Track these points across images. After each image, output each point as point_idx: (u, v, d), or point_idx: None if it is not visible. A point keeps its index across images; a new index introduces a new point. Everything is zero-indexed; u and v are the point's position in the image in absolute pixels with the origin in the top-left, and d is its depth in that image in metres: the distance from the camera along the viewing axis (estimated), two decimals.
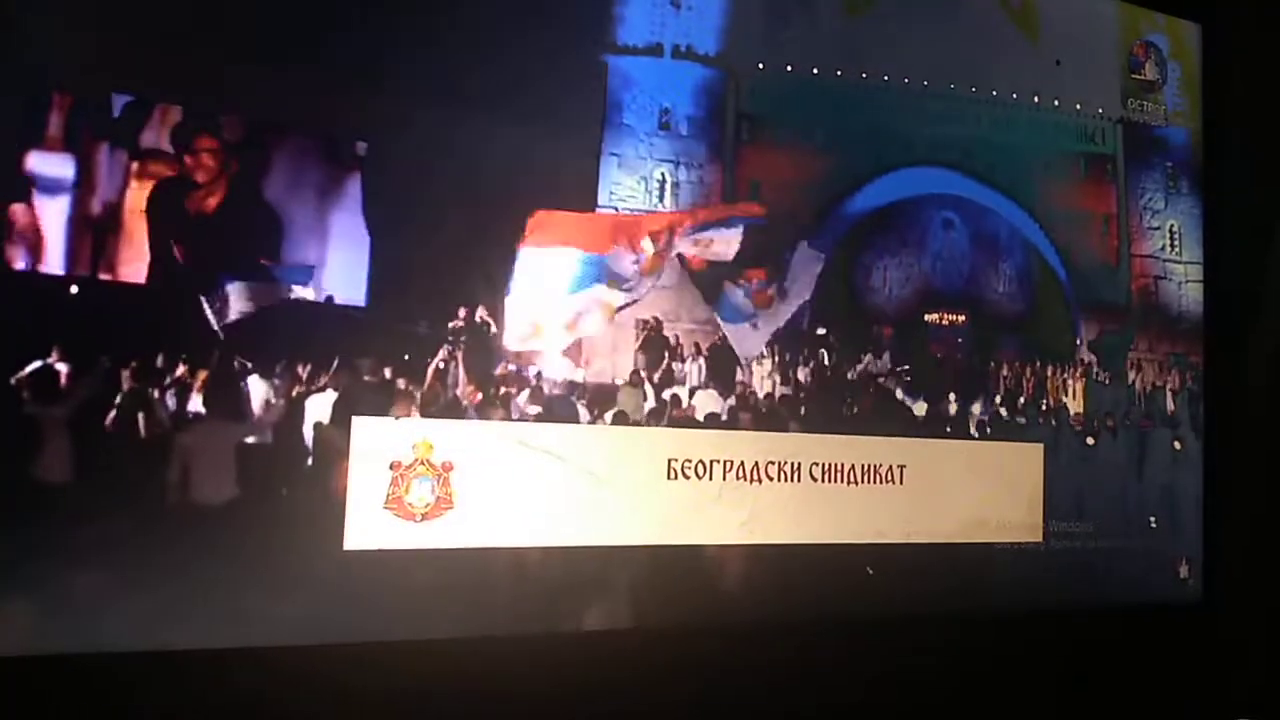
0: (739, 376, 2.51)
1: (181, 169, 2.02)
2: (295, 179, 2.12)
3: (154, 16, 1.95)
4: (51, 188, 1.90)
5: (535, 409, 2.26)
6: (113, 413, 1.88)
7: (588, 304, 2.34)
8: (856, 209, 2.72)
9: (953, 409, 2.78)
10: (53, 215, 1.90)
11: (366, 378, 2.11)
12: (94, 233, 1.94)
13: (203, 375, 1.97)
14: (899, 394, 2.73)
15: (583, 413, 2.31)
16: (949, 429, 2.76)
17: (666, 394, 2.42)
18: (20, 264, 1.86)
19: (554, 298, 2.31)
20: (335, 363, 2.09)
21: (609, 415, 2.33)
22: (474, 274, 2.24)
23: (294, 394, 2.05)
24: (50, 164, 1.91)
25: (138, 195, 1.98)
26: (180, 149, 2.01)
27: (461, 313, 2.22)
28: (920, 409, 2.74)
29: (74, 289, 1.91)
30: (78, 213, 1.92)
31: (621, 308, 2.38)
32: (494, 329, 2.26)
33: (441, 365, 2.19)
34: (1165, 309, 3.15)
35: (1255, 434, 3.11)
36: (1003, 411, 2.85)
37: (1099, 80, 3.10)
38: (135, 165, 1.98)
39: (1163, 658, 2.93)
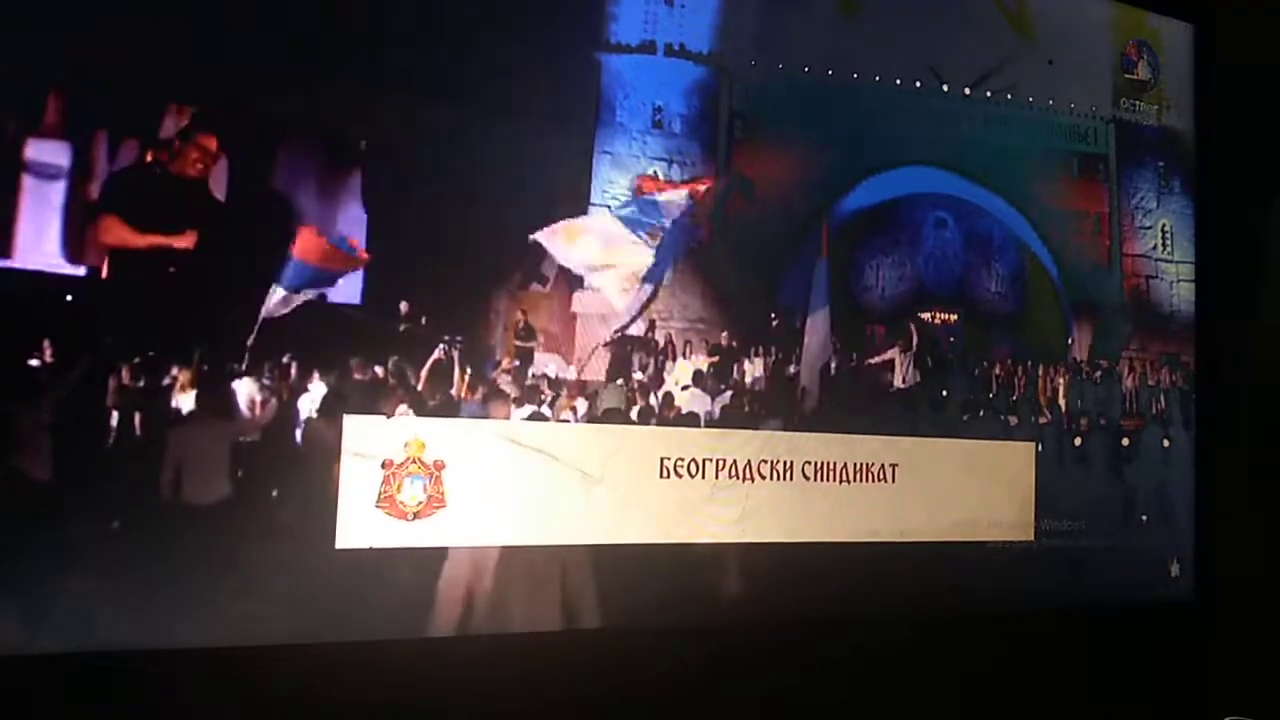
0: (733, 375, 2.51)
1: (179, 165, 2.01)
2: (294, 176, 2.12)
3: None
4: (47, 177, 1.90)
5: (528, 408, 2.26)
6: (102, 411, 1.87)
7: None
8: (850, 208, 2.72)
9: (945, 408, 2.79)
10: (45, 206, 1.90)
11: (358, 376, 2.11)
12: (84, 226, 1.93)
13: (194, 374, 1.96)
14: (891, 393, 2.73)
15: (575, 411, 2.31)
16: (941, 428, 2.76)
17: (659, 392, 2.42)
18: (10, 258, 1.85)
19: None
20: (327, 361, 2.08)
21: (600, 413, 2.33)
22: (466, 271, 2.25)
23: (285, 392, 2.05)
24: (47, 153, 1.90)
25: (130, 187, 1.97)
26: (180, 146, 2.00)
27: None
28: (912, 408, 2.74)
29: (62, 284, 1.90)
30: (70, 204, 1.91)
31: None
32: (517, 328, 2.28)
33: (435, 364, 2.18)
34: (1157, 308, 3.16)
35: (1246, 433, 3.12)
36: (995, 410, 2.86)
37: (1091, 80, 3.11)
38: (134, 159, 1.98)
39: (1154, 655, 2.94)
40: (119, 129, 1.96)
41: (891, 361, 2.73)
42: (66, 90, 1.90)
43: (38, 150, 1.89)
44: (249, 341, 2.00)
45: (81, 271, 1.91)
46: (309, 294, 2.08)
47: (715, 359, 2.51)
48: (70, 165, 1.92)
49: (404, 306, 2.17)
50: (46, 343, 1.84)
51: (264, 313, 2.02)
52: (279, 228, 2.08)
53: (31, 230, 1.88)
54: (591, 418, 2.32)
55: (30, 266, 1.87)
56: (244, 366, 2.00)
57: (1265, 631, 2.98)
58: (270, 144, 2.09)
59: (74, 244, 1.91)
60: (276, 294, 2.03)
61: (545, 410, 2.27)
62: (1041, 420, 2.92)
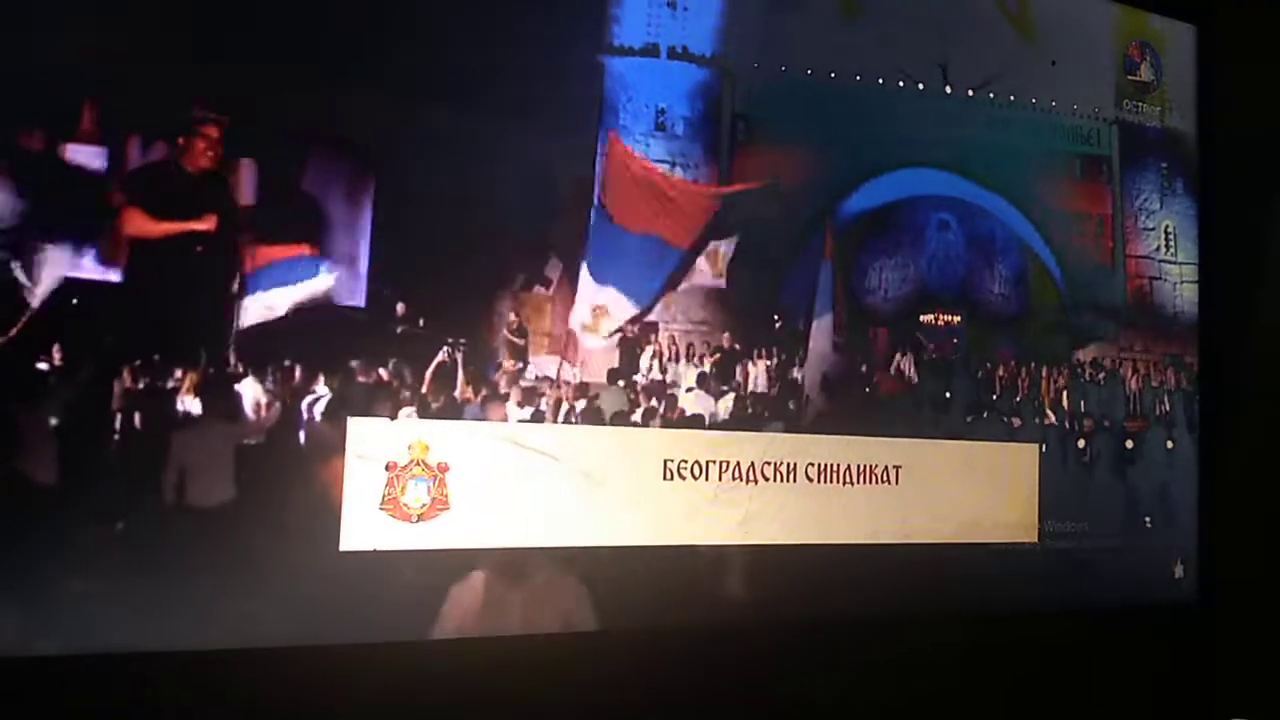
0: (735, 377, 2.51)
1: (191, 159, 2.01)
2: (297, 178, 2.12)
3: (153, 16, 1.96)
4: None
5: (532, 410, 2.26)
6: (106, 413, 1.88)
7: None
8: (853, 210, 2.73)
9: (948, 409, 2.79)
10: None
11: (362, 379, 2.11)
12: (93, 230, 1.93)
13: (199, 376, 1.97)
14: (895, 394, 2.73)
15: (576, 413, 2.31)
16: (944, 429, 2.76)
17: (662, 395, 2.42)
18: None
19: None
20: (331, 363, 2.08)
21: (599, 415, 2.33)
22: (469, 273, 2.25)
23: (290, 395, 2.05)
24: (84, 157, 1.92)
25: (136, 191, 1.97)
26: (187, 140, 2.00)
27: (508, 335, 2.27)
28: (916, 410, 2.74)
29: (70, 287, 1.90)
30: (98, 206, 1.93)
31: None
32: (516, 331, 2.28)
33: (439, 366, 2.19)
34: (1160, 309, 3.16)
35: (1249, 434, 3.12)
36: (998, 411, 2.86)
37: (1094, 81, 3.10)
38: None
39: (1158, 657, 2.94)
40: (130, 131, 1.96)
41: (899, 370, 2.73)
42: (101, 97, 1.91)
43: (75, 154, 1.91)
44: (230, 345, 2.00)
45: (96, 274, 1.92)
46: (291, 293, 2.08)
47: (717, 359, 2.51)
48: (106, 168, 1.93)
49: (400, 308, 2.17)
50: (55, 346, 1.85)
51: (251, 318, 2.02)
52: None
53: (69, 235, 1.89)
54: (594, 420, 2.32)
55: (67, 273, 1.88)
56: (229, 369, 1.99)
57: (1268, 634, 2.98)
58: (274, 145, 2.09)
59: (103, 245, 1.92)
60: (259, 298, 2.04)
61: (548, 412, 2.27)
62: (1045, 422, 2.92)
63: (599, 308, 2.38)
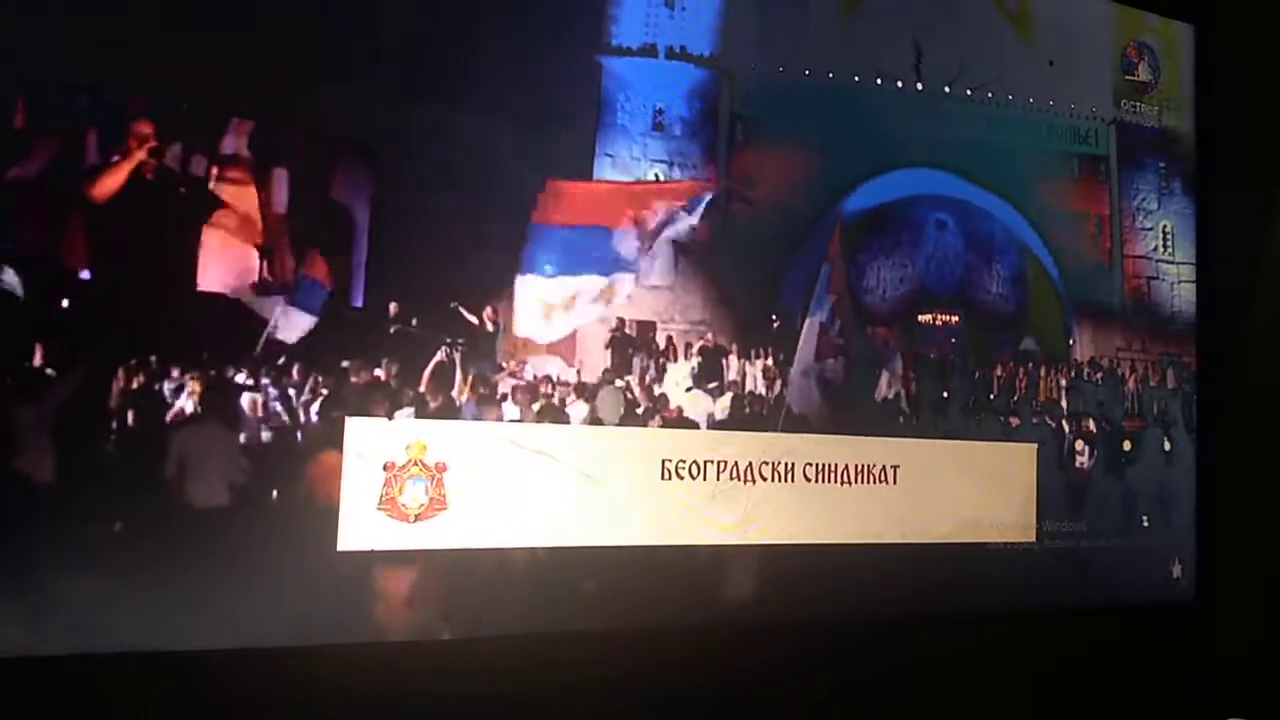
0: (731, 377, 2.51)
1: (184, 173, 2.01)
2: (296, 180, 2.12)
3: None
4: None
5: (530, 410, 2.26)
6: (105, 414, 1.88)
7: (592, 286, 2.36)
8: (850, 210, 2.72)
9: (946, 409, 2.79)
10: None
11: (359, 379, 2.11)
12: (91, 228, 1.93)
13: (196, 377, 1.96)
14: (893, 394, 2.73)
15: (575, 414, 2.31)
16: (942, 429, 2.76)
17: (660, 394, 2.42)
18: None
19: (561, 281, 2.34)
20: (329, 364, 2.08)
21: (597, 415, 2.33)
22: (469, 273, 2.25)
23: (289, 396, 2.05)
24: None
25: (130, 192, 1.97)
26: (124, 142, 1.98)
27: (463, 312, 2.23)
28: (914, 409, 2.74)
29: (68, 288, 1.90)
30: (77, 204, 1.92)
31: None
32: (495, 327, 2.26)
33: (438, 366, 2.18)
34: (1158, 309, 3.16)
35: (1247, 434, 3.12)
36: (996, 411, 2.86)
37: (1092, 81, 3.11)
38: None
39: (1155, 657, 2.94)
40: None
41: (897, 370, 2.73)
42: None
43: None
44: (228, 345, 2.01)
45: (86, 274, 1.92)
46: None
47: (716, 361, 2.51)
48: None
49: (394, 308, 2.16)
50: (52, 346, 1.85)
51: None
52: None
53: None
54: (592, 420, 2.32)
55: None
56: (226, 369, 1.99)
57: (1266, 633, 2.98)
58: (271, 144, 2.09)
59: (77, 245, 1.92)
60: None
61: (545, 412, 2.27)
62: (1043, 421, 2.92)
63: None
